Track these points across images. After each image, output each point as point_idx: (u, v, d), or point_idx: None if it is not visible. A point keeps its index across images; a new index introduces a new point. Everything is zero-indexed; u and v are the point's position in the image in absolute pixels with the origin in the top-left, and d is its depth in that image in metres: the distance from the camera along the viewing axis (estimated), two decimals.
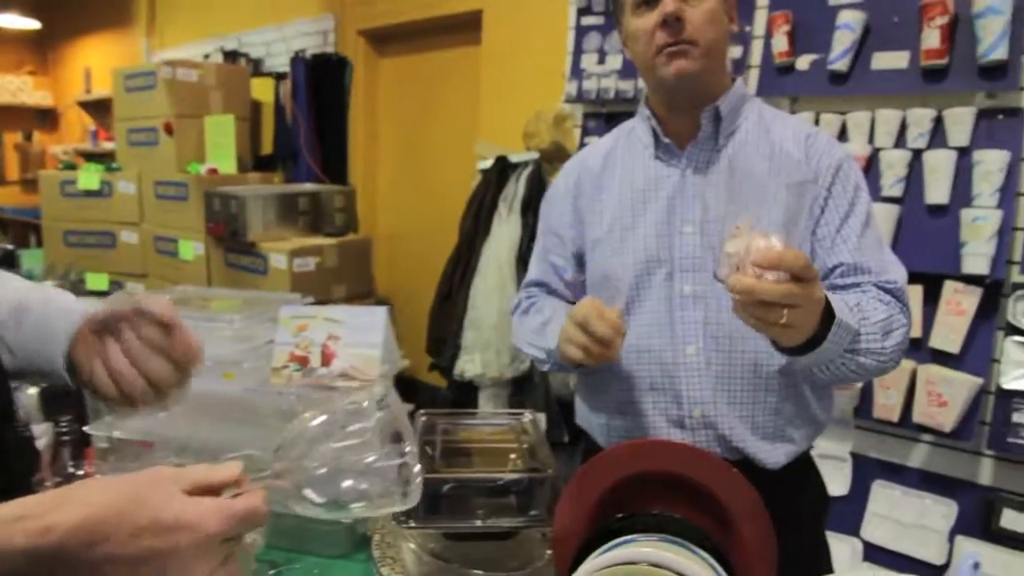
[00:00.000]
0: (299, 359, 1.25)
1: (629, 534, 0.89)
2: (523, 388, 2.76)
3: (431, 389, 3.47)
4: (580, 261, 1.34)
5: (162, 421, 1.35)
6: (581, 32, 2.79)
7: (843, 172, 1.18)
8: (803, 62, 2.26)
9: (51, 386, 1.62)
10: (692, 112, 1.20)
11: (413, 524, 1.05)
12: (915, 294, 2.10)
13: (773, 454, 1.18)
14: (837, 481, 2.28)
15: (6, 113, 6.37)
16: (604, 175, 1.30)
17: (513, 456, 1.19)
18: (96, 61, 5.84)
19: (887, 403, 2.12)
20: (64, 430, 1.36)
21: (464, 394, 2.91)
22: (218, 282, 3.38)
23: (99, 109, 5.71)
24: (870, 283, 1.13)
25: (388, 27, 3.74)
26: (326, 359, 1.25)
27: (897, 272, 1.15)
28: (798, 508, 1.21)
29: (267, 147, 3.97)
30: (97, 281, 3.66)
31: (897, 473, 2.21)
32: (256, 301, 1.42)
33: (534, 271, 1.39)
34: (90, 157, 5.06)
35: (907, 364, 2.10)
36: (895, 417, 2.11)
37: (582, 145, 2.78)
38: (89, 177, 3.63)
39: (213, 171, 3.45)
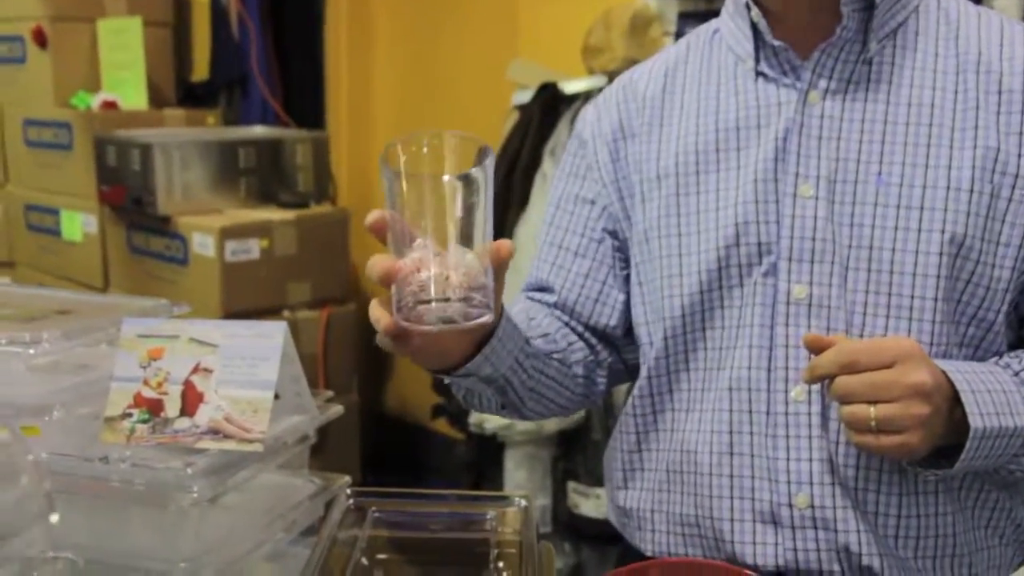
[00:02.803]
0: (149, 403, 1.19)
1: None
2: (574, 448, 2.72)
3: (442, 443, 3.49)
4: (622, 249, 1.28)
5: None
6: None
7: None
8: None
9: None
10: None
11: None
12: None
13: None
14: None
15: None
16: (667, 104, 1.24)
17: (491, 572, 1.13)
18: None
19: None
20: None
21: (489, 452, 2.94)
22: (119, 275, 3.40)
23: None
24: None
25: None
26: (190, 404, 1.17)
27: None
28: None
29: (201, 70, 3.97)
30: None
31: None
32: (90, 310, 1.36)
33: (535, 269, 1.33)
34: None
35: None
36: None
37: None
38: None
39: (111, 105, 3.45)
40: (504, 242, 0.90)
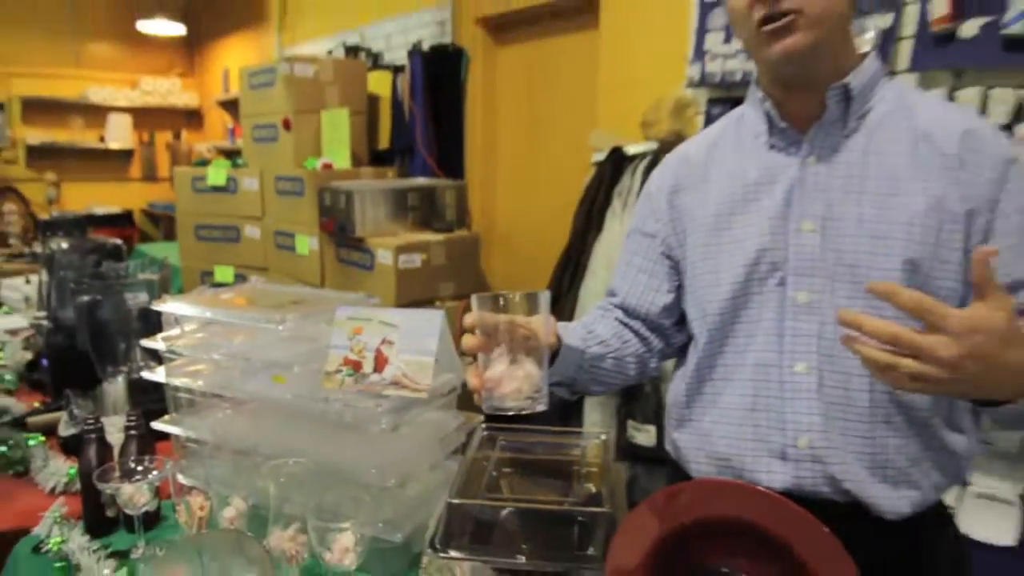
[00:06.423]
0: (352, 363, 1.22)
1: None
2: (632, 398, 2.66)
3: None
4: (674, 270, 1.24)
5: (223, 422, 1.36)
6: (705, 9, 2.62)
7: (1015, 172, 1.01)
8: (969, 28, 1.99)
9: (138, 378, 1.68)
10: (815, 91, 1.07)
11: (455, 554, 0.99)
12: None
13: (893, 501, 1.04)
14: (1002, 529, 1.99)
15: (158, 114, 6.91)
16: (710, 167, 1.19)
17: (579, 483, 1.11)
18: (234, 61, 6.18)
19: None
20: (132, 424, 1.39)
21: (570, 402, 2.86)
22: (331, 277, 3.47)
23: (235, 108, 6.03)
24: None
25: (506, 14, 3.69)
26: (379, 364, 1.20)
27: None
28: (928, 572, 1.06)
29: (383, 141, 4.02)
30: (223, 274, 3.85)
31: None
32: (315, 300, 1.40)
33: (615, 278, 1.30)
34: (228, 154, 5.35)
35: None
36: None
37: None
38: (217, 173, 3.83)
39: (328, 166, 3.52)
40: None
